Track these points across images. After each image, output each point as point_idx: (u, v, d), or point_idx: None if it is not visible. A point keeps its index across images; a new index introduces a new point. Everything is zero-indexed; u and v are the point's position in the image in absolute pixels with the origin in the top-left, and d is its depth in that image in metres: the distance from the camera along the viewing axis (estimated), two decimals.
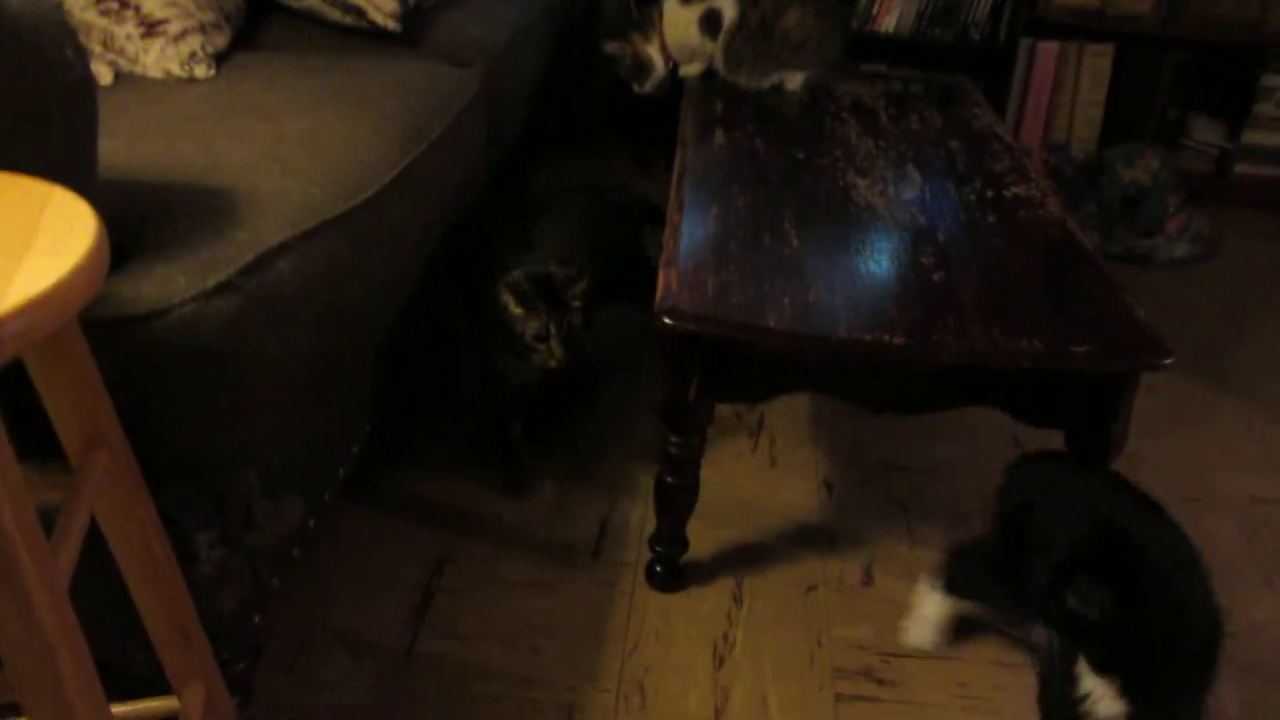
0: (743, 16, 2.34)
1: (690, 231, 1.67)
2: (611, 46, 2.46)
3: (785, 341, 1.42)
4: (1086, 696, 1.21)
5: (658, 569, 1.69)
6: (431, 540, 1.77)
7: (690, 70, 2.42)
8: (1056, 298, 1.54)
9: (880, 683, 1.56)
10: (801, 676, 1.56)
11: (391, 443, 1.89)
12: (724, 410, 2.16)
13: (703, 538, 1.80)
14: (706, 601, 1.69)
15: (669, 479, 1.60)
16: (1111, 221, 2.99)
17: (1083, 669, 1.21)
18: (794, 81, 2.40)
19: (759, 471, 2.00)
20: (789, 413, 2.16)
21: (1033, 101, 3.25)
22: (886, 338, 1.41)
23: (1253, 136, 3.25)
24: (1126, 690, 1.18)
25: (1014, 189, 1.90)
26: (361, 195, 1.43)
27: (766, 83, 2.40)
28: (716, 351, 1.48)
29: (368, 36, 2.04)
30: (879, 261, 1.61)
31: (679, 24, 2.38)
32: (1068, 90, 3.24)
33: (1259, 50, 3.18)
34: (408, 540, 1.77)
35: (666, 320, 1.43)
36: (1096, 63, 3.21)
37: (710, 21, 2.34)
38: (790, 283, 1.53)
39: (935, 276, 1.58)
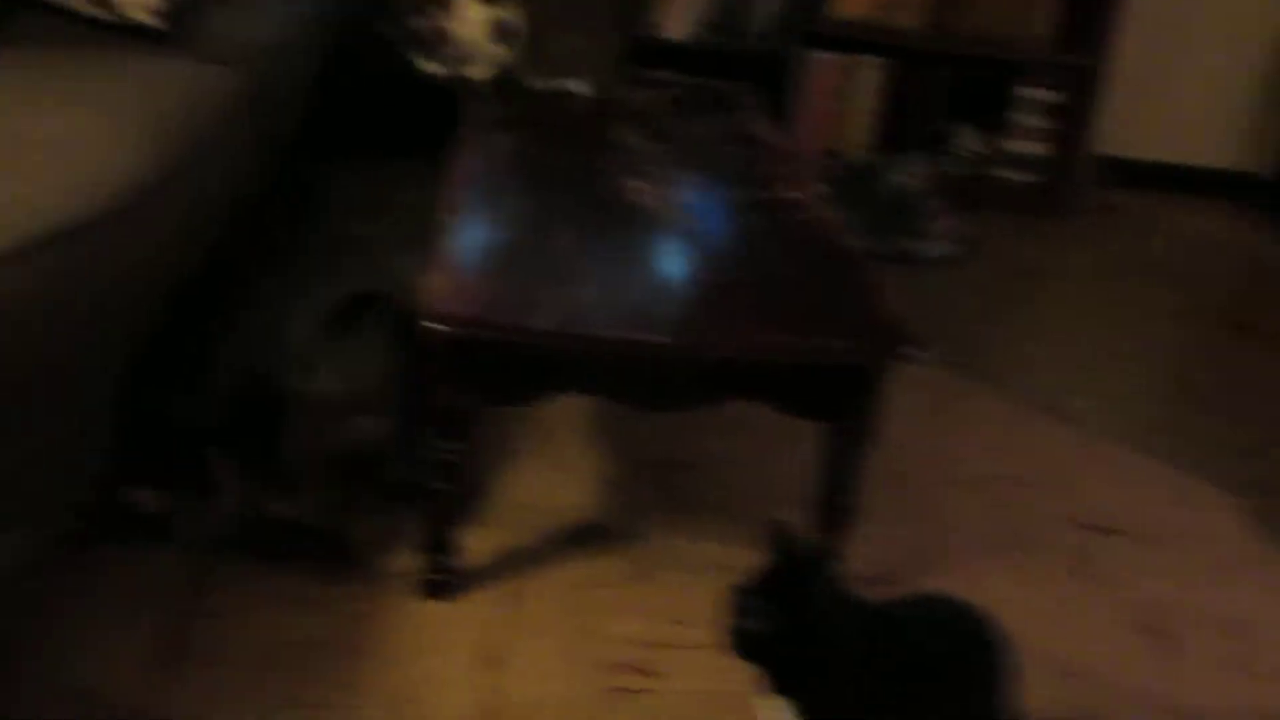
0: (532, 24, 2.36)
1: (460, 233, 1.66)
2: (411, 21, 2.37)
3: (552, 343, 1.43)
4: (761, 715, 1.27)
5: (430, 578, 1.68)
6: (188, 562, 1.69)
7: (474, 72, 2.40)
8: (817, 296, 1.62)
9: (651, 675, 1.60)
10: (575, 675, 1.58)
11: (141, 462, 1.80)
12: (503, 414, 2.16)
13: (479, 542, 1.79)
14: (481, 608, 1.68)
15: (437, 485, 1.59)
16: (883, 224, 3.16)
17: (763, 690, 1.27)
18: (580, 85, 2.43)
19: (538, 473, 2.01)
20: (569, 414, 2.18)
21: (809, 109, 3.39)
22: (652, 337, 1.44)
23: (1009, 145, 3.50)
24: (804, 713, 1.23)
25: (784, 193, 1.98)
26: (101, 201, 1.35)
27: (552, 85, 2.42)
28: (483, 355, 1.48)
29: (123, 32, 1.92)
30: (649, 263, 1.65)
31: (470, 24, 2.36)
32: (844, 99, 3.40)
33: (1014, 64, 3.43)
34: (160, 564, 1.68)
35: (434, 326, 1.42)
36: (870, 74, 3.38)
37: (502, 29, 2.35)
38: (560, 285, 1.54)
39: (703, 277, 1.63)
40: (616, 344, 1.42)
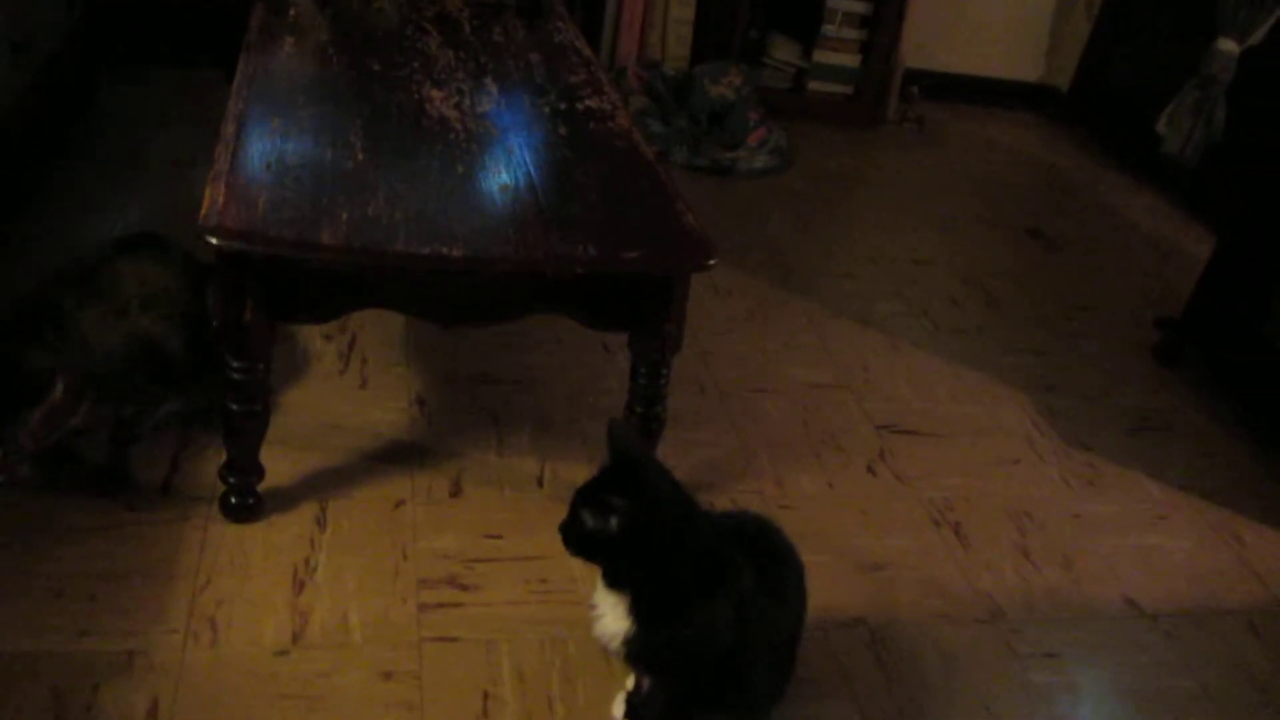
0: None
1: (245, 145, 1.57)
2: None
3: (339, 257, 1.38)
4: (595, 609, 1.29)
5: (232, 500, 1.62)
6: None
7: None
8: (615, 206, 1.61)
9: (463, 588, 1.60)
10: (385, 591, 1.57)
11: None
12: (313, 333, 2.10)
13: (286, 464, 1.75)
14: (287, 529, 1.64)
15: (234, 406, 1.53)
16: (700, 136, 3.17)
17: (598, 588, 1.29)
18: None
19: (349, 393, 1.96)
20: (382, 333, 2.13)
21: (626, 19, 3.34)
22: (445, 250, 1.41)
23: (822, 56, 3.55)
24: (633, 608, 1.26)
25: (587, 102, 1.95)
26: None
27: None
28: (269, 270, 1.42)
29: None
30: (447, 175, 1.60)
31: None
32: (659, 9, 3.37)
33: None
34: None
35: (210, 239, 1.35)
36: None
37: None
38: (351, 197, 1.48)
39: (501, 188, 1.59)
40: (405, 258, 1.38)
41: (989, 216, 3.20)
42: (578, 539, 1.26)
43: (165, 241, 1.83)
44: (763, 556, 1.38)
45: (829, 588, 1.73)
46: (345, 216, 1.43)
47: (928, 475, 2.03)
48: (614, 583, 1.27)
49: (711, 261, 1.51)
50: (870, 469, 2.02)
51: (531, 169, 1.65)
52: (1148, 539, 1.98)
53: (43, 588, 1.48)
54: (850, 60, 3.58)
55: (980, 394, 2.31)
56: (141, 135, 2.68)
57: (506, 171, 1.63)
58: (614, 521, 1.22)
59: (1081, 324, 2.67)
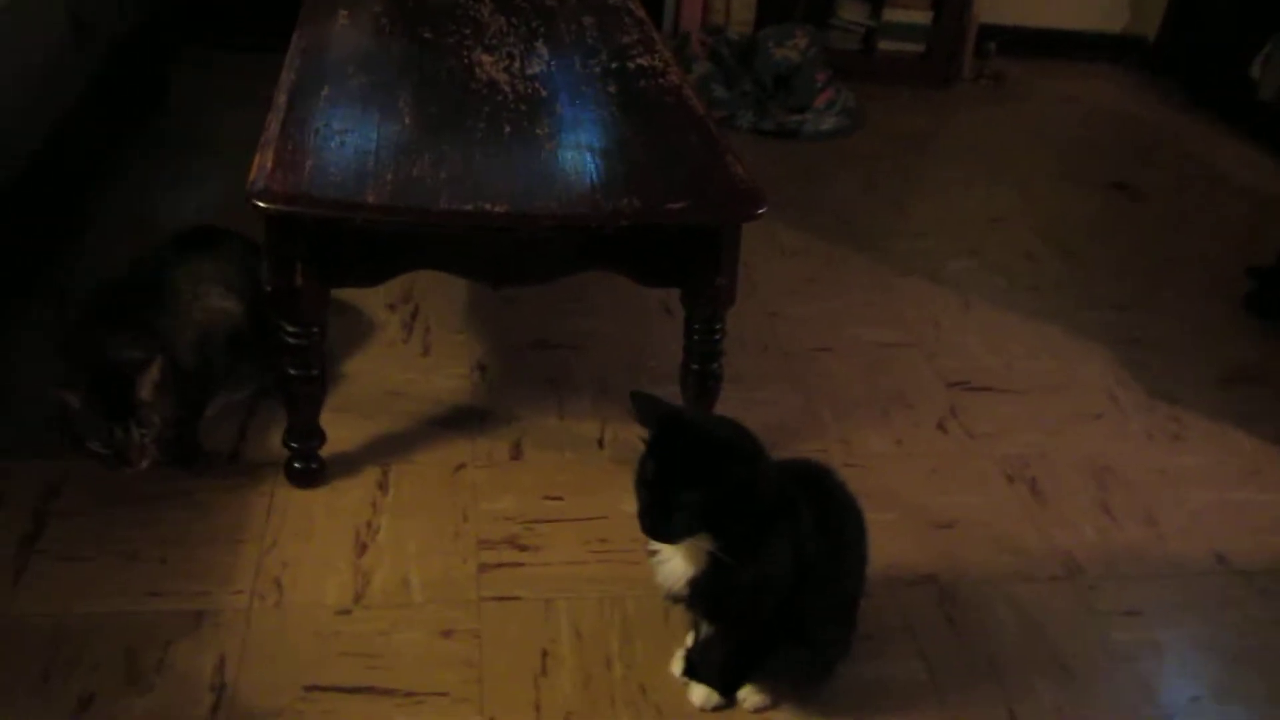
0: None
1: (293, 113, 1.58)
2: None
3: (384, 217, 1.38)
4: (658, 557, 1.24)
5: (296, 465, 1.65)
6: (44, 465, 1.64)
7: None
8: (662, 160, 1.58)
9: (523, 549, 1.60)
10: (445, 553, 1.57)
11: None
12: (377, 304, 2.12)
13: (349, 431, 1.77)
14: (350, 493, 1.66)
15: (291, 371, 1.55)
16: (766, 99, 3.12)
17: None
18: None
19: (411, 360, 1.98)
20: (444, 301, 2.14)
21: None
22: (488, 206, 1.40)
23: (891, 14, 3.46)
24: (717, 549, 1.20)
25: (638, 60, 1.92)
26: None
27: None
28: (317, 233, 1.43)
29: None
30: (493, 135, 1.60)
31: None
32: None
33: None
34: (12, 469, 1.63)
35: (258, 203, 1.36)
36: None
37: None
38: (396, 160, 1.49)
39: (548, 146, 1.58)
40: (449, 215, 1.37)
41: (1070, 171, 3.08)
42: (684, 524, 1.17)
43: (219, 232, 1.85)
44: (821, 501, 1.34)
45: (897, 545, 1.69)
46: (390, 177, 1.44)
47: (1002, 432, 1.97)
48: (727, 543, 1.20)
49: (760, 210, 1.47)
50: (941, 426, 1.97)
51: (578, 126, 1.64)
52: (1239, 494, 1.89)
53: (117, 551, 1.52)
54: (922, 17, 3.48)
55: (1058, 349, 2.23)
56: (213, 118, 2.73)
57: (552, 130, 1.62)
58: (724, 494, 1.15)
59: (1169, 276, 2.56)
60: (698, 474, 1.15)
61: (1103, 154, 3.24)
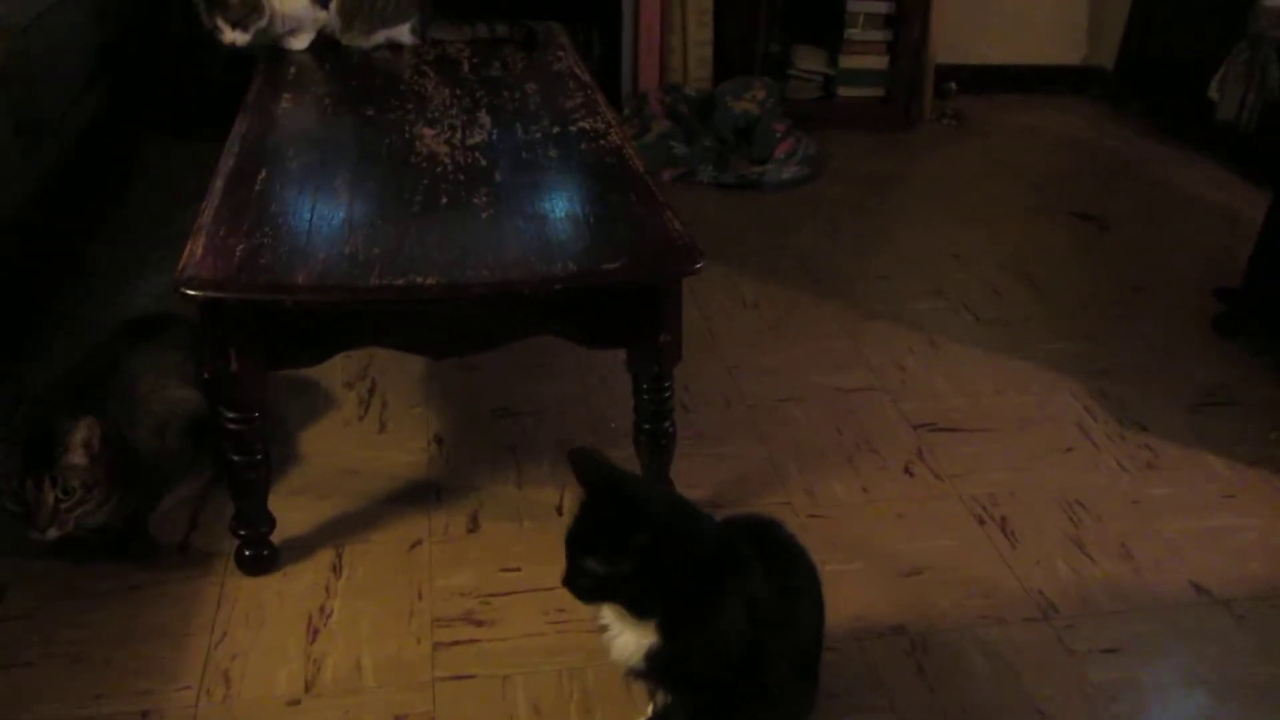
0: None
1: (227, 198, 1.58)
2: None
3: (314, 297, 1.37)
4: (609, 632, 1.22)
5: (246, 553, 1.62)
6: None
7: (298, 43, 2.29)
8: (599, 222, 1.57)
9: (479, 624, 1.56)
10: (399, 634, 1.54)
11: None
12: (334, 382, 2.10)
13: (303, 514, 1.75)
14: (303, 577, 1.63)
15: (234, 457, 1.53)
16: (726, 152, 3.13)
17: (606, 610, 1.21)
18: (403, 34, 2.35)
19: (367, 438, 1.96)
20: (401, 375, 2.13)
21: (645, 45, 3.34)
22: (419, 279, 1.39)
23: (848, 61, 3.49)
24: (661, 624, 1.18)
25: (580, 124, 1.93)
26: None
27: (374, 40, 2.33)
28: (250, 317, 1.42)
29: None
30: (430, 208, 1.59)
31: None
32: (677, 31, 3.35)
33: None
34: None
35: (186, 290, 1.35)
36: (699, 2, 3.33)
37: None
38: (329, 239, 1.48)
39: (484, 215, 1.57)
40: (380, 290, 1.36)
41: (1036, 204, 3.08)
42: (589, 589, 1.16)
43: (172, 319, 1.84)
44: (771, 556, 1.31)
45: (864, 596, 1.65)
46: (322, 257, 1.43)
47: (970, 472, 1.94)
48: (636, 611, 1.19)
49: (698, 265, 1.46)
50: (908, 470, 1.94)
51: (516, 193, 1.63)
52: (1215, 520, 1.85)
53: (62, 654, 1.49)
54: (878, 62, 3.51)
55: (1026, 384, 2.21)
56: (175, 208, 2.73)
57: (490, 198, 1.61)
58: (627, 564, 1.13)
59: (1137, 304, 2.54)
60: (600, 541, 1.13)
61: (1068, 185, 3.24)
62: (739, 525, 1.33)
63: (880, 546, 1.76)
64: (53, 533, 1.49)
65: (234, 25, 2.16)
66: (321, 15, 2.27)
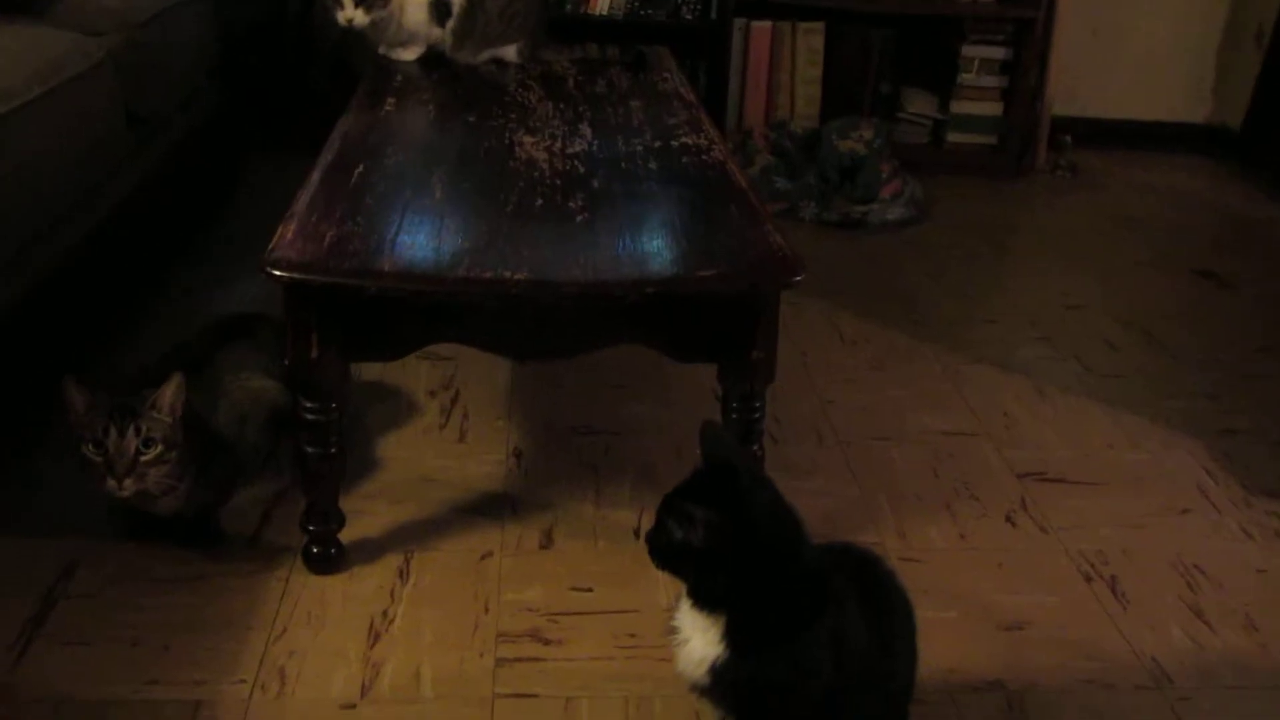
0: (468, 0, 2.27)
1: (322, 188, 1.56)
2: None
3: (398, 284, 1.33)
4: (678, 636, 1.16)
5: (314, 550, 1.57)
6: (61, 545, 1.60)
7: (407, 55, 2.31)
8: (697, 230, 1.51)
9: (545, 642, 1.49)
10: (462, 645, 1.47)
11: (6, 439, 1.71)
12: (417, 389, 2.07)
13: (377, 516, 1.71)
14: (369, 580, 1.58)
15: (309, 448, 1.49)
16: (830, 191, 3.05)
17: (681, 609, 1.16)
18: (510, 53, 2.35)
19: (446, 447, 1.91)
20: (485, 388, 2.09)
21: (752, 80, 3.30)
22: (508, 274, 1.34)
23: (960, 107, 3.40)
24: (726, 631, 1.12)
25: (683, 139, 1.88)
26: None
27: (483, 57, 2.34)
28: (333, 303, 1.38)
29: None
30: (524, 208, 1.55)
31: (410, 6, 2.25)
32: (785, 68, 3.31)
33: (957, 23, 3.33)
34: (29, 547, 1.59)
35: (272, 271, 1.33)
36: (809, 40, 3.29)
37: (440, 7, 2.26)
38: (419, 232, 1.45)
39: (579, 218, 1.53)
40: (466, 282, 1.31)
41: (1153, 259, 2.94)
42: (664, 551, 1.13)
43: (263, 318, 1.83)
44: (866, 592, 1.22)
45: (959, 647, 1.53)
46: (409, 247, 1.39)
47: (1078, 526, 1.81)
48: (703, 601, 1.14)
49: (797, 277, 1.38)
50: (1010, 519, 1.82)
51: (612, 199, 1.59)
52: None
53: (121, 637, 1.46)
54: (992, 109, 3.42)
55: (1141, 440, 2.06)
56: (276, 214, 2.76)
57: (585, 202, 1.57)
58: (701, 533, 1.09)
59: (1262, 365, 2.38)
60: (684, 506, 1.10)
61: (1188, 242, 3.09)
62: (835, 553, 1.24)
63: (978, 597, 1.64)
64: (129, 484, 1.45)
65: (358, 4, 2.15)
66: (436, 32, 2.28)
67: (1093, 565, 1.72)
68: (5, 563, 1.57)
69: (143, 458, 1.46)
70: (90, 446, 1.45)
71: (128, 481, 1.45)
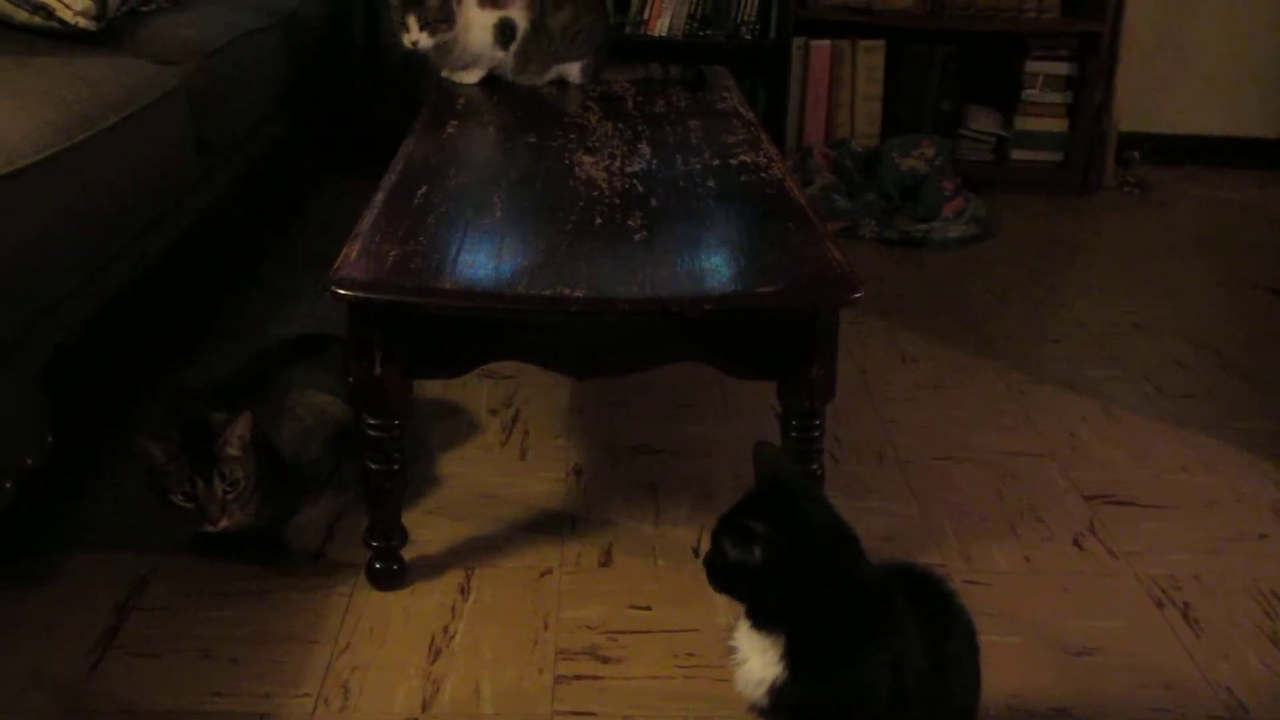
0: (531, 23, 2.30)
1: (386, 209, 1.59)
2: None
3: (459, 302, 1.35)
4: (737, 656, 1.15)
5: (376, 566, 1.59)
6: (134, 558, 1.64)
7: (469, 78, 2.35)
8: (755, 248, 1.51)
9: (604, 660, 1.48)
10: (521, 662, 1.48)
11: (82, 454, 1.76)
12: (479, 408, 2.09)
13: (438, 532, 1.72)
14: (430, 596, 1.59)
15: (372, 464, 1.51)
16: (891, 209, 3.03)
17: (740, 629, 1.16)
18: (573, 73, 2.38)
19: (507, 464, 1.92)
20: (545, 406, 2.10)
21: (812, 99, 3.29)
22: (567, 291, 1.35)
23: (1024, 124, 3.36)
24: (786, 652, 1.11)
25: (742, 157, 1.88)
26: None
27: (546, 78, 2.37)
28: (396, 321, 1.40)
29: (64, 38, 1.92)
30: (583, 228, 1.56)
31: (474, 29, 2.29)
32: (845, 87, 3.30)
33: (1020, 39, 3.30)
34: (105, 560, 1.63)
35: (336, 290, 1.35)
36: (869, 58, 3.28)
37: (504, 31, 2.30)
38: (480, 250, 1.46)
39: (637, 236, 1.53)
40: (525, 299, 1.33)
41: (1223, 277, 2.87)
42: (721, 572, 1.13)
43: (330, 339, 1.87)
44: (927, 613, 1.20)
45: (1024, 672, 1.50)
46: (470, 266, 1.41)
47: (1149, 550, 1.76)
48: (762, 622, 1.13)
49: (857, 295, 1.37)
50: (1077, 543, 1.78)
51: (671, 217, 1.59)
52: None
53: (191, 649, 1.49)
54: (1056, 125, 3.37)
55: (1214, 463, 2.01)
56: (342, 233, 2.82)
57: (643, 222, 1.57)
58: (757, 552, 1.09)
59: None
60: (739, 525, 1.10)
61: (1262, 260, 3.01)
62: (896, 572, 1.23)
63: (1043, 621, 1.61)
64: (225, 523, 1.53)
65: (423, 27, 2.19)
66: (499, 55, 2.31)
67: (1164, 591, 1.67)
68: (82, 575, 1.61)
69: (229, 496, 1.52)
70: (179, 497, 1.51)
71: (223, 521, 1.52)
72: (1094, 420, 2.14)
